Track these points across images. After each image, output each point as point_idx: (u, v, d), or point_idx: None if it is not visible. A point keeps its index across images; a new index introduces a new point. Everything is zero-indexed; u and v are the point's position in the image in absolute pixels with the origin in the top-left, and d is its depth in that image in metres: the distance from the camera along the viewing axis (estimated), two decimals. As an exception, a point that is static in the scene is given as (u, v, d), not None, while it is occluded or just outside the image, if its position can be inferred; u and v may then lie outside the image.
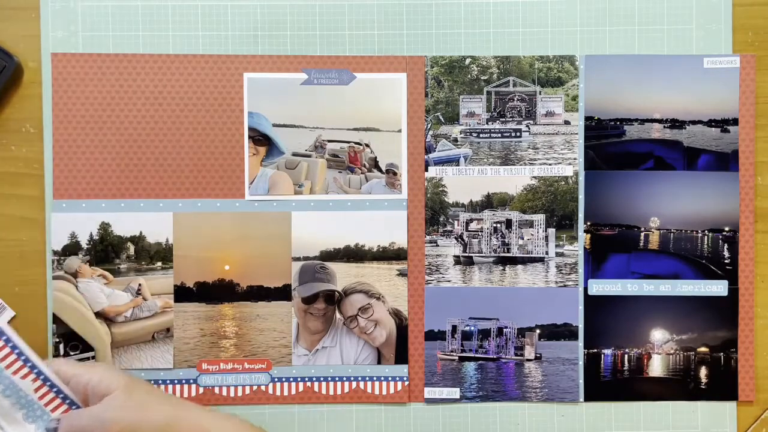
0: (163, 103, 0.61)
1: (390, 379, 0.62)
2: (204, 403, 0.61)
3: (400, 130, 0.62)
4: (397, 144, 0.62)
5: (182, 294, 0.61)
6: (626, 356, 0.62)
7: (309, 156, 0.62)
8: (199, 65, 0.61)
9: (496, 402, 0.62)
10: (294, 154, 0.62)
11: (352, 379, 0.62)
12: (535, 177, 0.62)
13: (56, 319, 0.60)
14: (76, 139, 0.61)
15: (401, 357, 0.62)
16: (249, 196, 0.62)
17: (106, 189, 0.61)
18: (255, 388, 0.62)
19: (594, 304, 0.62)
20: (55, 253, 0.61)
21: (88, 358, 0.61)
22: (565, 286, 0.62)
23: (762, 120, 0.62)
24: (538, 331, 0.62)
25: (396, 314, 0.62)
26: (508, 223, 0.63)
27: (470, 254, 0.63)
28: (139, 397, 0.51)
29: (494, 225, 0.63)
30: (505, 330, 0.62)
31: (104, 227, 0.61)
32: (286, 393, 0.62)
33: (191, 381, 0.61)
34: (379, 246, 0.62)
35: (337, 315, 0.62)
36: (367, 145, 0.62)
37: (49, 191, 0.61)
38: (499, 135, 0.63)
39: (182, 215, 0.61)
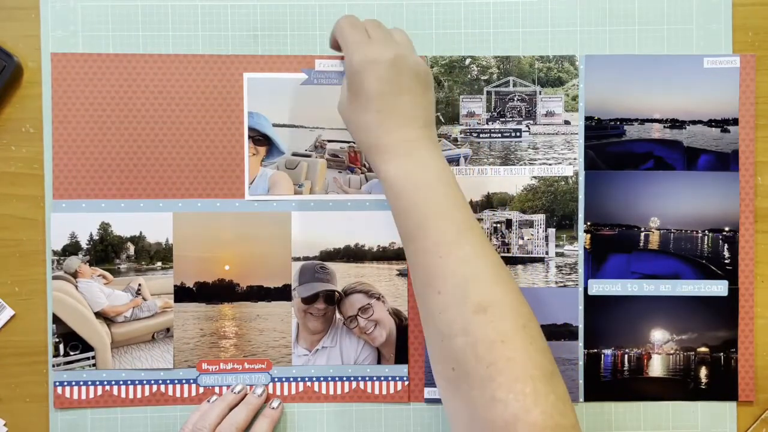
0: (163, 103, 0.61)
1: (390, 379, 0.62)
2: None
3: (400, 130, 0.62)
4: (397, 144, 0.62)
5: (182, 294, 0.61)
6: (626, 356, 0.62)
7: (309, 156, 0.62)
8: (199, 65, 0.61)
9: (496, 402, 0.62)
10: (294, 154, 0.62)
11: (352, 379, 0.62)
12: (535, 177, 0.62)
13: (56, 319, 0.60)
14: (76, 139, 0.61)
15: (401, 357, 0.62)
16: (249, 196, 0.62)
17: (106, 189, 0.61)
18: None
19: (594, 304, 0.62)
20: (54, 253, 0.61)
21: (88, 358, 0.61)
22: (565, 286, 0.62)
23: (762, 120, 0.62)
24: (538, 331, 0.62)
25: (396, 314, 0.62)
26: (508, 223, 0.63)
27: (470, 254, 0.63)
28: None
29: (494, 225, 0.63)
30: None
31: (104, 227, 0.61)
32: (286, 393, 0.62)
33: (191, 381, 0.61)
34: (379, 246, 0.62)
35: (337, 315, 0.62)
36: (367, 145, 0.62)
37: (49, 191, 0.61)
38: (499, 135, 0.63)
39: (182, 215, 0.61)
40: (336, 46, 0.56)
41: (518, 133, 0.63)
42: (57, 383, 0.61)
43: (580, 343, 0.62)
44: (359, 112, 0.52)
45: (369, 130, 0.52)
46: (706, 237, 0.62)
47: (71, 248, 0.61)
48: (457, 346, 0.45)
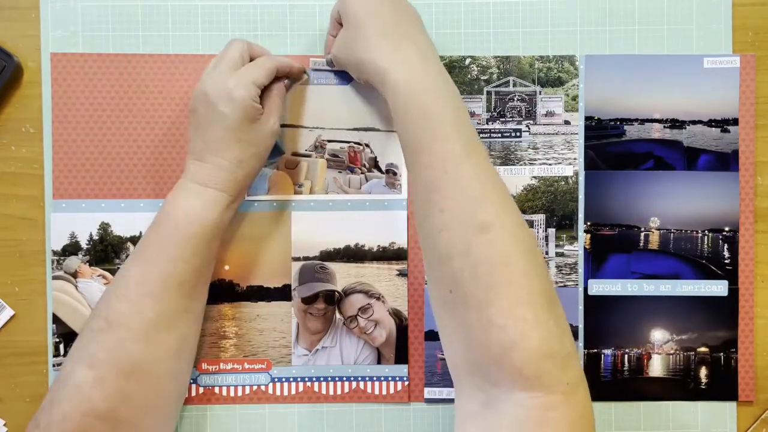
0: (163, 103, 0.61)
1: (390, 379, 0.62)
2: (204, 402, 0.61)
3: (400, 130, 0.62)
4: (397, 144, 0.62)
5: (182, 294, 0.61)
6: (626, 356, 0.62)
7: (309, 156, 0.62)
8: (199, 65, 0.61)
9: (496, 402, 0.62)
10: (294, 154, 0.62)
11: (352, 379, 0.62)
12: (535, 177, 0.62)
13: (56, 319, 0.60)
14: (76, 139, 0.61)
15: (401, 357, 0.62)
16: (248, 196, 0.61)
17: (106, 189, 0.61)
18: (255, 388, 0.62)
19: (594, 304, 0.62)
20: (54, 253, 0.61)
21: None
22: (565, 286, 0.62)
23: (762, 120, 0.62)
24: (538, 331, 0.62)
25: (396, 314, 0.62)
26: (508, 223, 0.63)
27: (470, 254, 0.63)
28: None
29: (494, 225, 0.63)
30: (505, 330, 0.62)
31: (104, 227, 0.61)
32: (286, 393, 0.62)
33: (191, 381, 0.61)
34: (379, 246, 0.62)
35: (337, 315, 0.62)
36: (367, 145, 0.62)
37: (49, 191, 0.61)
38: (499, 135, 0.63)
39: (182, 215, 0.61)
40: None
41: (518, 133, 0.63)
42: (57, 383, 0.61)
43: (580, 343, 0.62)
44: (362, 37, 0.52)
45: (375, 49, 0.51)
46: (706, 237, 0.62)
47: (71, 248, 0.61)
48: (456, 267, 0.44)
